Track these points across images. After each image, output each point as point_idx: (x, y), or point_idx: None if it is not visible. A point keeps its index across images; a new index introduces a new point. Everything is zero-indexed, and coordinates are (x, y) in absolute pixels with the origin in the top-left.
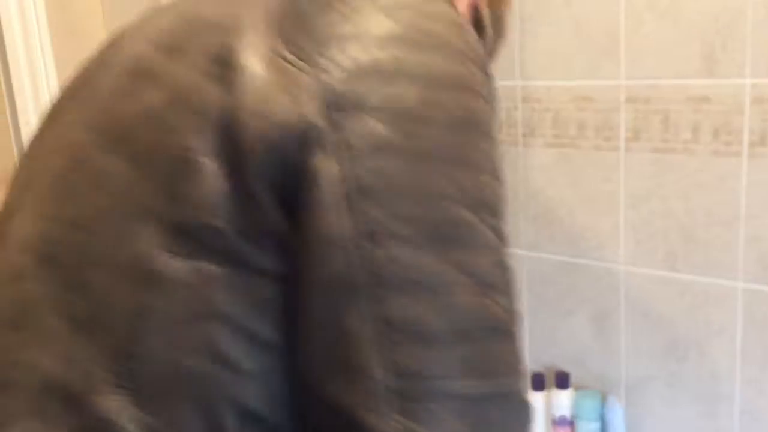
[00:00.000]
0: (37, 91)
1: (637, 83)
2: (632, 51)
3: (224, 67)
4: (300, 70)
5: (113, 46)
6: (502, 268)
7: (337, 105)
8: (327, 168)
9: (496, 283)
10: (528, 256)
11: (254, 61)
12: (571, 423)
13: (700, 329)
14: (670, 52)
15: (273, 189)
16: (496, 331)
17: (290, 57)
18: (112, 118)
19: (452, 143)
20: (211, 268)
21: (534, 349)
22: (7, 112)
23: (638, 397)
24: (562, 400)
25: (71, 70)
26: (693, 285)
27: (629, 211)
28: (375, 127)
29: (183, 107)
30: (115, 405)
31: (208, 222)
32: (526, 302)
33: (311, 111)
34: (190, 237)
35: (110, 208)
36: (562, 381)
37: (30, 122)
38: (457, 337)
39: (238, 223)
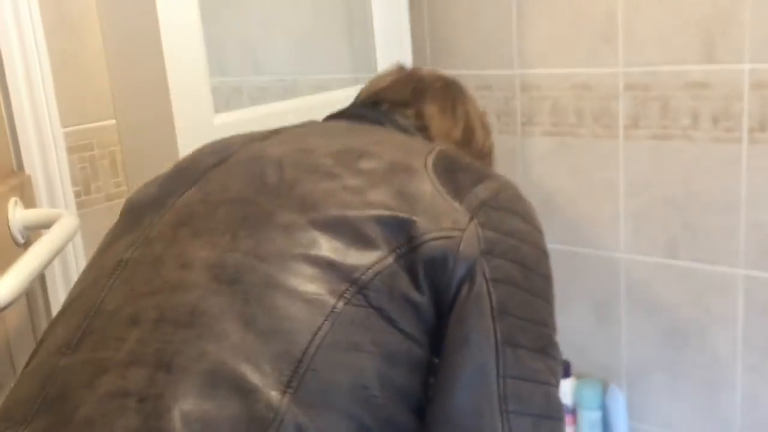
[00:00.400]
0: (31, 84)
1: (635, 70)
2: (630, 38)
3: (403, 197)
4: (466, 218)
5: (250, 147)
6: (562, 372)
7: (488, 249)
8: (481, 289)
9: (560, 383)
10: None
11: (429, 194)
12: (573, 412)
13: (700, 316)
14: (669, 38)
15: (432, 286)
16: (560, 415)
17: (458, 206)
18: (297, 194)
19: (544, 287)
20: (366, 316)
21: None
22: (2, 105)
23: (639, 385)
24: (564, 390)
25: (65, 61)
26: (693, 272)
27: (629, 198)
28: (508, 268)
29: (366, 206)
30: (279, 400)
31: (374, 284)
32: None
33: (474, 248)
34: (357, 289)
35: (294, 252)
36: (564, 370)
37: (24, 114)
38: (545, 415)
39: (396, 290)
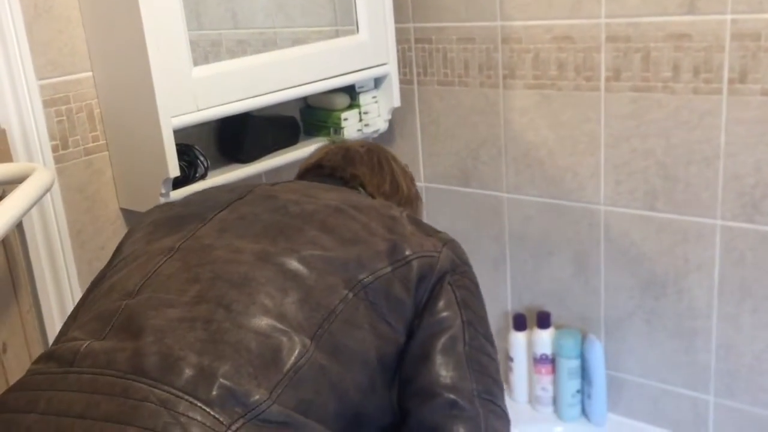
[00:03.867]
0: (4, 36)
1: (617, 21)
2: None
3: (394, 232)
4: (441, 245)
5: (264, 189)
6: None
7: (453, 267)
8: (449, 288)
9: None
10: (509, 198)
11: (410, 231)
12: (552, 360)
13: (678, 266)
14: None
15: (417, 290)
16: (502, 390)
17: (432, 239)
18: (317, 220)
19: (483, 306)
20: (365, 306)
21: (516, 290)
22: None
23: (617, 334)
24: (544, 339)
25: (38, 13)
26: (672, 223)
27: (609, 150)
28: (466, 282)
29: (371, 233)
30: (309, 344)
31: (373, 285)
32: (507, 244)
33: (445, 265)
34: (362, 287)
35: (319, 254)
36: (544, 320)
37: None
38: (497, 382)
39: (390, 292)
